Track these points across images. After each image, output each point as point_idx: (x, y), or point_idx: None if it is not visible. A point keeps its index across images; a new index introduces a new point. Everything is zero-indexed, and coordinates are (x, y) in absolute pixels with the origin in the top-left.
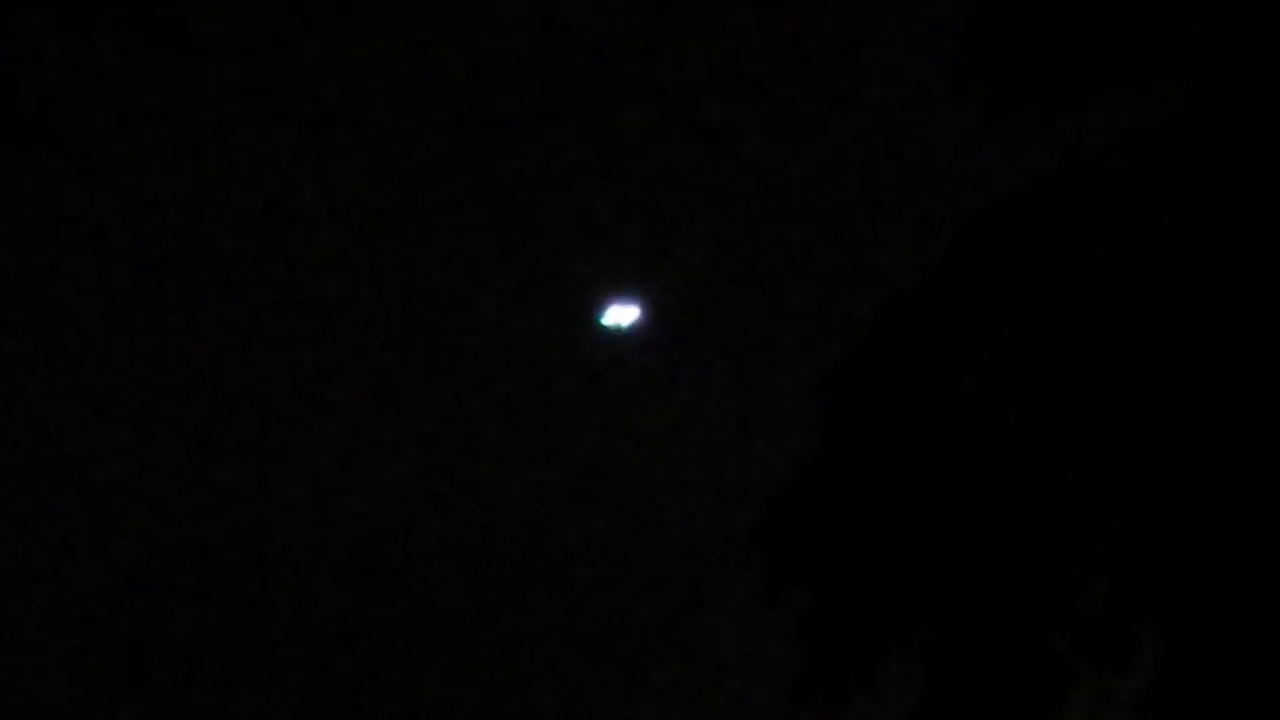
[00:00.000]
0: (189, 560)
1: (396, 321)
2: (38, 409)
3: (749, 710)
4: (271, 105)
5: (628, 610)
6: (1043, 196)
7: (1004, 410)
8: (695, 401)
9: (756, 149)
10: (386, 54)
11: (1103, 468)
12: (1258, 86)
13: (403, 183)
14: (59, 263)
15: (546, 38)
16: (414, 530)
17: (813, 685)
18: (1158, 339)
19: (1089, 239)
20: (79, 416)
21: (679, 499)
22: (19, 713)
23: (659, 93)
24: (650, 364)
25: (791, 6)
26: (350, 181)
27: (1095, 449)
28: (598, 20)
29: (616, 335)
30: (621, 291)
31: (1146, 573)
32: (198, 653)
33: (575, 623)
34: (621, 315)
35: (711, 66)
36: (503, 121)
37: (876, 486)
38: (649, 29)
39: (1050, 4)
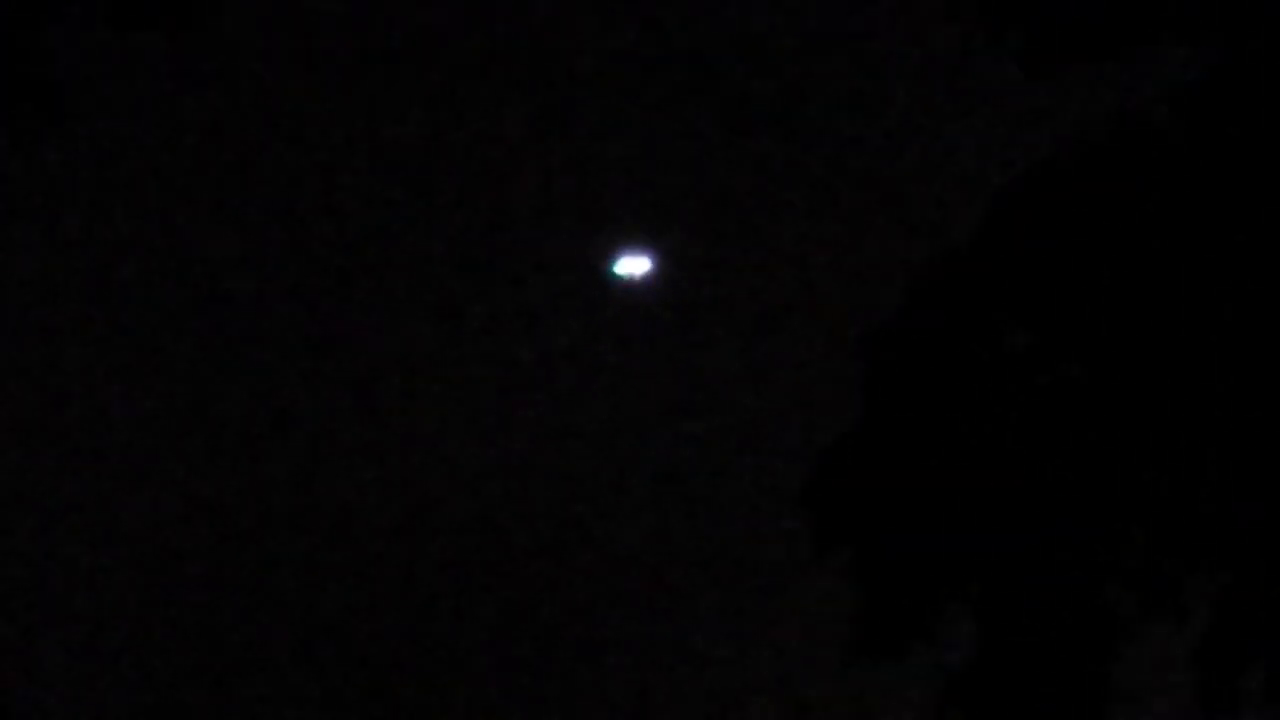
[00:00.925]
0: (195, 550)
1: (404, 283)
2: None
3: (802, 667)
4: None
5: (665, 563)
6: (1087, 151)
7: (1052, 362)
8: (711, 354)
9: (777, 95)
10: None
11: (1154, 418)
12: None
13: (405, 142)
14: (83, 253)
15: None
16: (426, 490)
17: (868, 637)
18: (1207, 290)
19: (1134, 191)
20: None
21: (702, 451)
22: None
23: (669, 48)
24: (664, 314)
25: None
26: (358, 139)
27: (1145, 400)
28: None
29: (629, 285)
30: (633, 242)
31: (1192, 522)
32: (199, 644)
33: (610, 573)
34: (633, 266)
35: (727, 17)
36: (506, 74)
37: (925, 441)
38: None
39: None
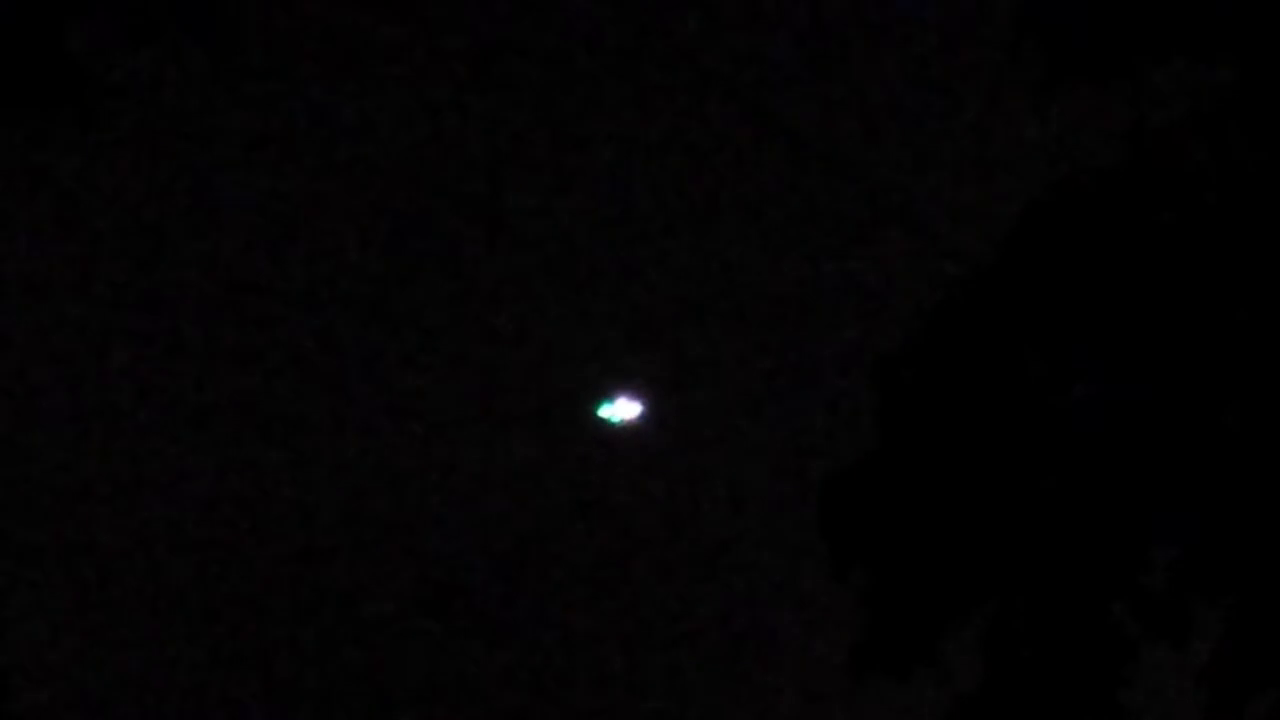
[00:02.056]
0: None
1: (392, 423)
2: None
3: (809, 688)
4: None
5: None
6: (1106, 174)
7: (1068, 387)
8: (701, 500)
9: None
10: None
11: (1168, 442)
12: None
13: (391, 267)
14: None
15: (541, 127)
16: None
17: (872, 659)
18: (1228, 314)
19: (1155, 217)
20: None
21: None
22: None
23: (658, 174)
24: (654, 458)
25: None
26: (344, 265)
27: (1160, 423)
28: (592, 111)
29: (618, 430)
30: (622, 386)
31: (1210, 545)
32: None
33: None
34: (623, 410)
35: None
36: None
37: (939, 463)
38: (647, 119)
39: None
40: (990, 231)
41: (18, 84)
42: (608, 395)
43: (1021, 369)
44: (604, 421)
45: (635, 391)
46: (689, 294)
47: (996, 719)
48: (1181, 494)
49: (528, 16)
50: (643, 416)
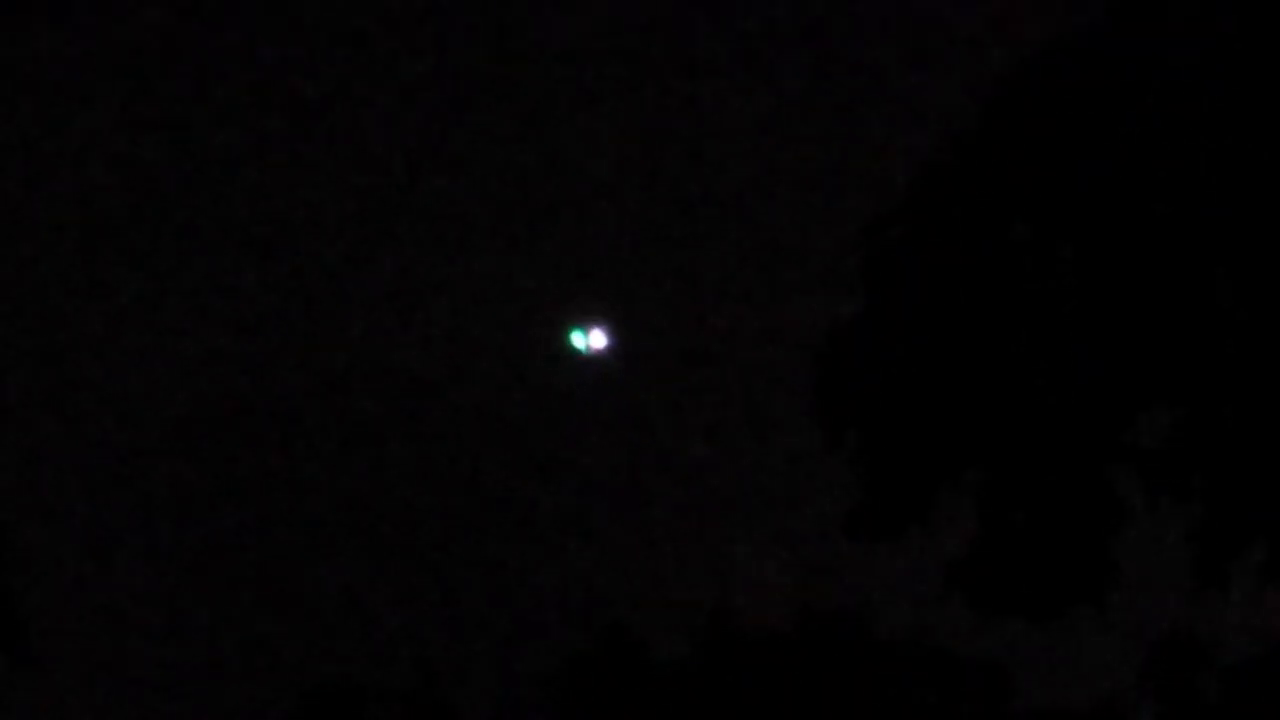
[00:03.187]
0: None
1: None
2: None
3: (806, 545)
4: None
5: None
6: (1087, 40)
7: (1054, 250)
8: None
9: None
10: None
11: (1155, 303)
12: None
13: (371, 207)
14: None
15: (519, 64)
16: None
17: (867, 519)
18: (1210, 176)
19: (1134, 83)
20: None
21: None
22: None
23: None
24: (621, 383)
25: None
26: (329, 205)
27: (1146, 285)
28: (570, 48)
29: (586, 357)
30: (589, 315)
31: (1206, 404)
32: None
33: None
34: (590, 339)
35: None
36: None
37: (927, 324)
38: (620, 57)
39: None
40: (972, 97)
41: None
42: (579, 326)
43: (1006, 231)
44: (575, 351)
45: (605, 323)
46: (656, 227)
47: (989, 578)
48: (1170, 355)
49: None
50: (611, 347)
